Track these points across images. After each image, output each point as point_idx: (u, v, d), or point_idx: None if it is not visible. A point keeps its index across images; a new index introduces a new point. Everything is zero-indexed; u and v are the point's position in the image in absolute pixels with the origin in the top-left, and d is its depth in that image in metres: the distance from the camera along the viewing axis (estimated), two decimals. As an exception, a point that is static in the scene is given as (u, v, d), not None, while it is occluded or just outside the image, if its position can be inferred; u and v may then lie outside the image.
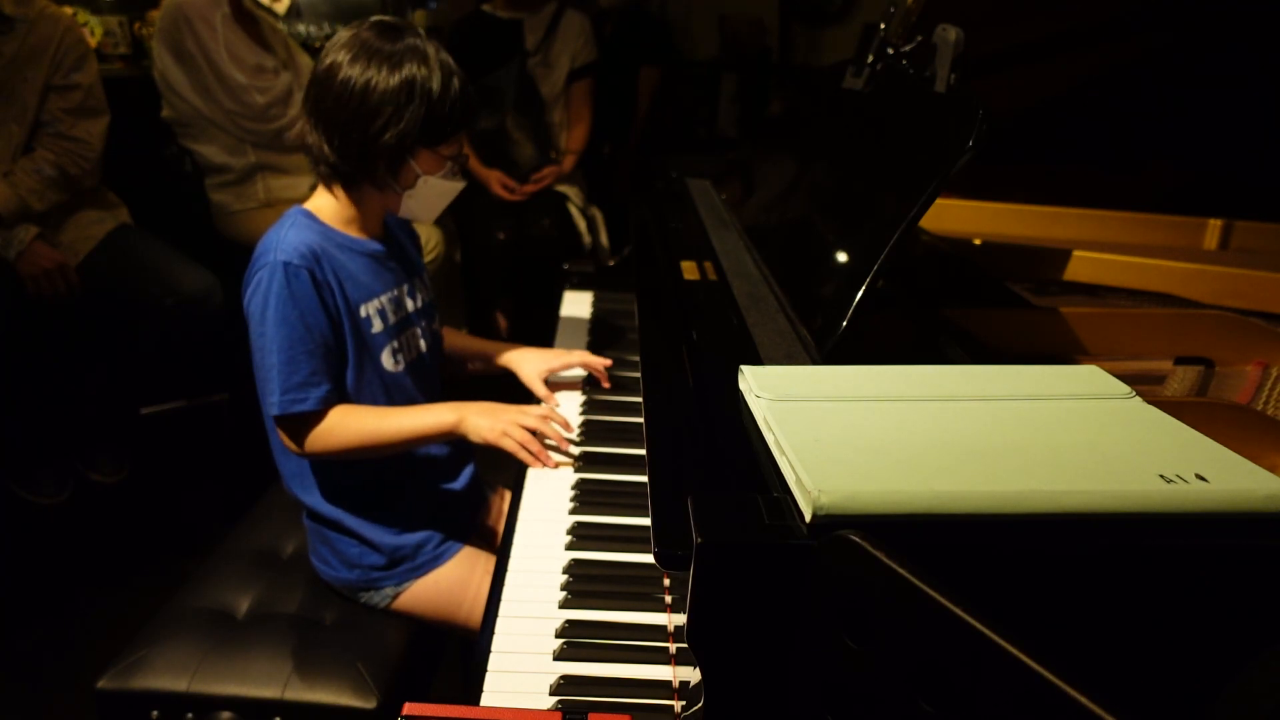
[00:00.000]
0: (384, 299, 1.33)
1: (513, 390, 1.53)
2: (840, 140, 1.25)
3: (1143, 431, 0.73)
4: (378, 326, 1.32)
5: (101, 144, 2.35)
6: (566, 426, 1.36)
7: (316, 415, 1.25)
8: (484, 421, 1.29)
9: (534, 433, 1.31)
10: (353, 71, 1.18)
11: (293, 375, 1.21)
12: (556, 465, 1.31)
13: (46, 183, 2.23)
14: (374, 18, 1.24)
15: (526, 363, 1.51)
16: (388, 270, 1.35)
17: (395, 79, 1.18)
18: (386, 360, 1.34)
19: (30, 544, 2.32)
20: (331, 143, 1.22)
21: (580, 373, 1.55)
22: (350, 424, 1.26)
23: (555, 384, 1.53)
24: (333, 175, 1.26)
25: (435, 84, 1.20)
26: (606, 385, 1.51)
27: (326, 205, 1.30)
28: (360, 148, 1.21)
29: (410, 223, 1.50)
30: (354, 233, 1.31)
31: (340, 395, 1.28)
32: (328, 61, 1.20)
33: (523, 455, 1.29)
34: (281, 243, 1.22)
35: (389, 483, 1.38)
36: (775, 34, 5.29)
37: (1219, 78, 1.52)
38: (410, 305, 1.40)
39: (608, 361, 1.51)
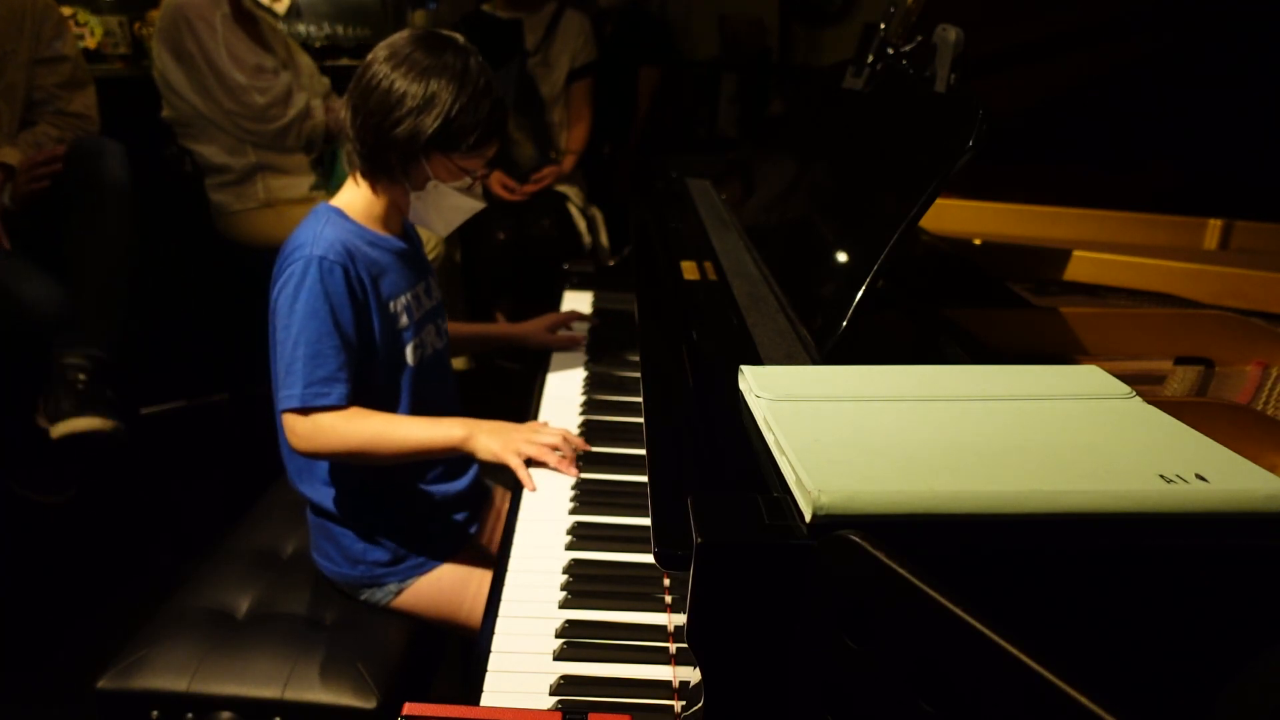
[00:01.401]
0: (409, 296, 1.35)
1: (521, 410, 1.53)
2: (840, 140, 1.25)
3: (1143, 431, 0.73)
4: (404, 322, 1.34)
5: (98, 115, 2.34)
6: (582, 447, 1.32)
7: (332, 412, 1.24)
8: (495, 441, 1.27)
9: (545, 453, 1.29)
10: (383, 70, 1.23)
11: (318, 369, 1.21)
12: (581, 449, 1.31)
13: None
14: (430, 29, 1.29)
15: (527, 329, 1.73)
16: (410, 268, 1.37)
17: (416, 88, 1.22)
18: (410, 356, 1.35)
19: (30, 544, 2.32)
20: (354, 127, 1.26)
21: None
22: (359, 425, 1.25)
23: (558, 348, 1.70)
24: (356, 161, 1.30)
25: (458, 103, 1.22)
26: (594, 323, 1.78)
27: (354, 202, 1.32)
28: (376, 134, 1.24)
29: (415, 227, 1.51)
30: (380, 230, 1.34)
31: (358, 395, 1.27)
32: (369, 56, 1.26)
33: (523, 476, 1.25)
34: (318, 238, 1.24)
35: (394, 480, 1.38)
36: (775, 34, 5.29)
37: (1219, 78, 1.52)
38: (428, 303, 1.42)
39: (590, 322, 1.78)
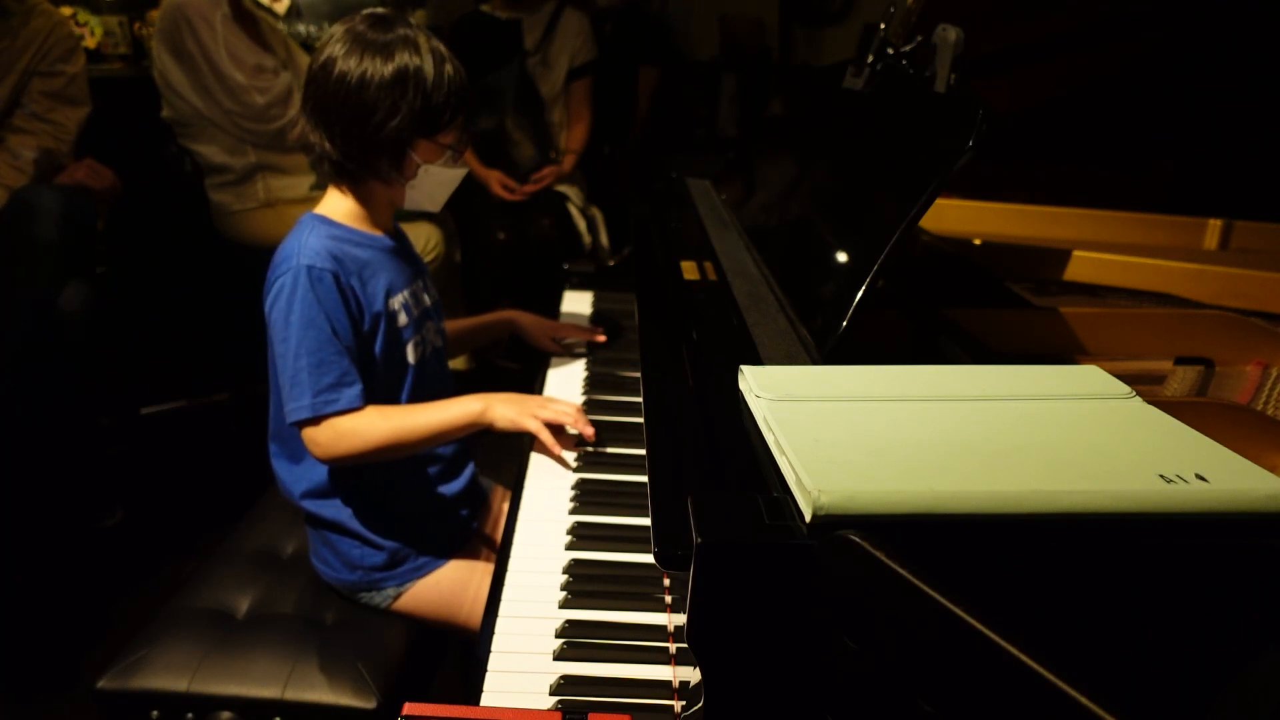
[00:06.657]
0: (407, 293, 1.35)
1: (528, 385, 1.54)
2: (840, 140, 1.25)
3: (1143, 431, 0.73)
4: (404, 320, 1.33)
5: (76, 133, 2.34)
6: (588, 430, 1.35)
7: (347, 416, 1.23)
8: (510, 409, 1.31)
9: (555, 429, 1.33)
10: (347, 65, 1.19)
11: (324, 377, 1.21)
12: (588, 438, 1.34)
13: (25, 167, 2.20)
14: (365, 11, 1.24)
15: (531, 323, 1.69)
16: (406, 265, 1.37)
17: (389, 69, 1.19)
18: (411, 354, 1.35)
19: (30, 544, 2.32)
20: (333, 140, 1.23)
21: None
22: (378, 423, 1.25)
23: (558, 358, 1.66)
24: (336, 173, 1.27)
25: (429, 71, 1.20)
26: (602, 339, 1.70)
27: (338, 206, 1.31)
28: (361, 143, 1.22)
29: (399, 224, 1.51)
30: (369, 229, 1.33)
31: (368, 395, 1.27)
32: (323, 58, 1.21)
33: (544, 435, 1.30)
34: (303, 248, 1.22)
35: (389, 484, 1.38)
36: (775, 34, 5.28)
37: (1219, 78, 1.52)
38: (426, 300, 1.42)
39: (601, 338, 1.70)
